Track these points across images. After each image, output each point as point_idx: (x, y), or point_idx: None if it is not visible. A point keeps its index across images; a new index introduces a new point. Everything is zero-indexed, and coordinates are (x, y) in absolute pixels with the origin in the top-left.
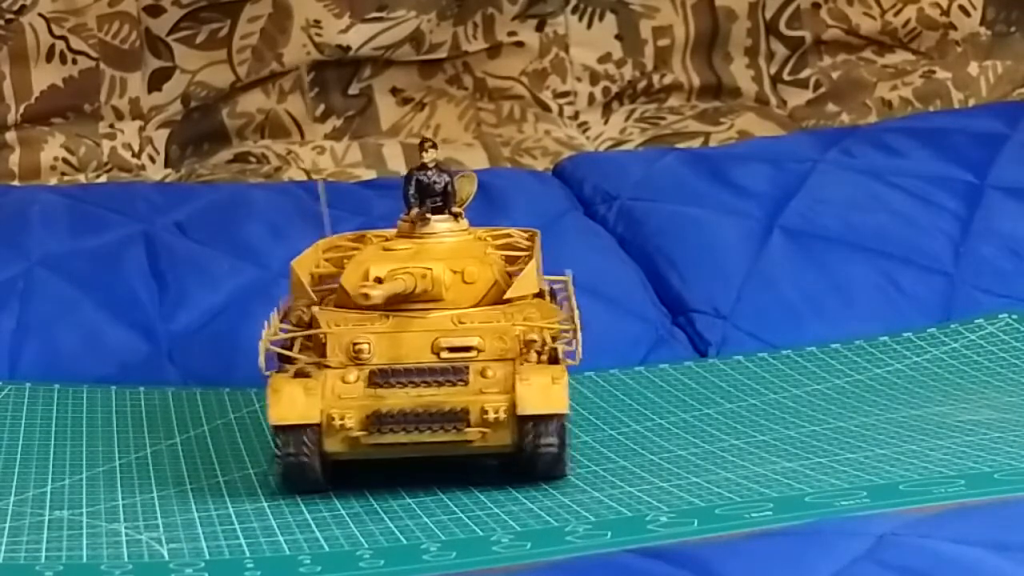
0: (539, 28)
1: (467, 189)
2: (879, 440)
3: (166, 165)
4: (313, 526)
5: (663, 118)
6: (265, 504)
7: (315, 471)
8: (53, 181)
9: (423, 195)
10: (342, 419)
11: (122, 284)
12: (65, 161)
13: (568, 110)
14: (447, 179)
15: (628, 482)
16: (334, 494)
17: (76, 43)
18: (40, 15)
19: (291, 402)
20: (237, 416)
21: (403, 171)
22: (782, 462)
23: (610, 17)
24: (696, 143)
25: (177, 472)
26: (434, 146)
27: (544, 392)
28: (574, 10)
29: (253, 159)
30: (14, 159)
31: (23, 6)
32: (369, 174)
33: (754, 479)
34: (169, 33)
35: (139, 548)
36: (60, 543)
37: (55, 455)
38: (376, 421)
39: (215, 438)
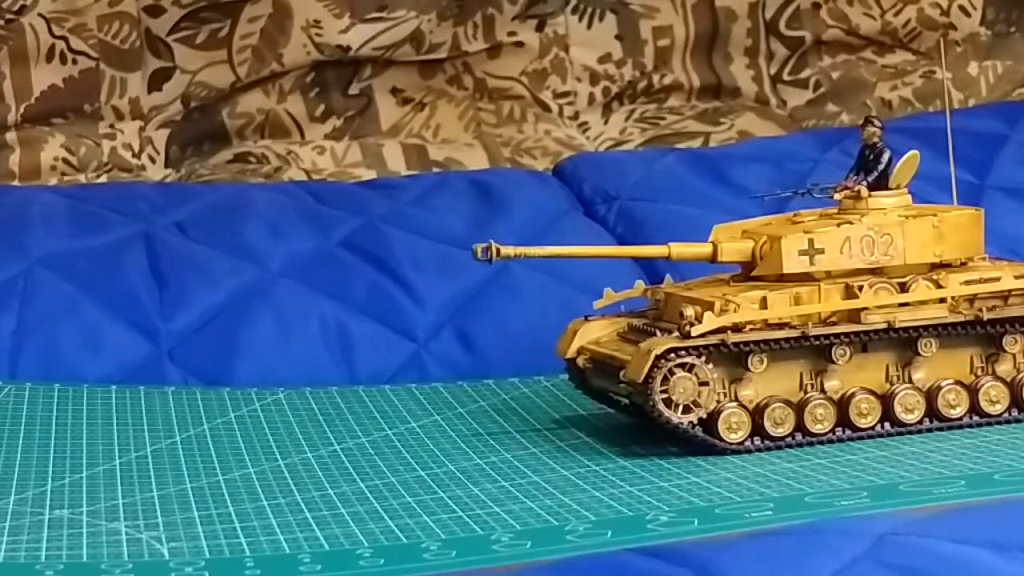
0: (539, 28)
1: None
2: (879, 440)
3: (166, 165)
4: (313, 525)
5: (663, 118)
6: (265, 504)
7: None
8: (53, 181)
9: (860, 168)
10: None
11: (122, 284)
12: (65, 161)
13: (568, 110)
14: (888, 155)
15: (628, 481)
16: (334, 493)
17: (76, 43)
18: (40, 15)
19: None
20: (237, 416)
21: (403, 171)
22: (782, 462)
23: (610, 17)
24: (696, 143)
25: (177, 472)
26: (871, 123)
27: None
28: (574, 10)
29: (253, 159)
30: (14, 159)
31: (23, 6)
32: (369, 174)
33: (754, 479)
34: (169, 33)
35: (139, 547)
36: (60, 542)
37: (55, 455)
38: None
39: (215, 438)
